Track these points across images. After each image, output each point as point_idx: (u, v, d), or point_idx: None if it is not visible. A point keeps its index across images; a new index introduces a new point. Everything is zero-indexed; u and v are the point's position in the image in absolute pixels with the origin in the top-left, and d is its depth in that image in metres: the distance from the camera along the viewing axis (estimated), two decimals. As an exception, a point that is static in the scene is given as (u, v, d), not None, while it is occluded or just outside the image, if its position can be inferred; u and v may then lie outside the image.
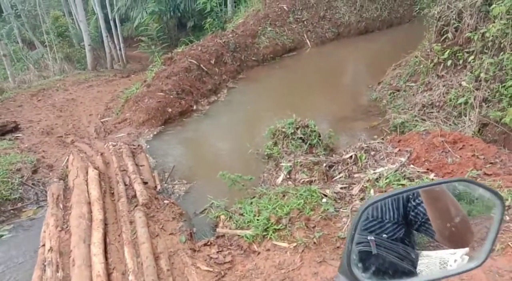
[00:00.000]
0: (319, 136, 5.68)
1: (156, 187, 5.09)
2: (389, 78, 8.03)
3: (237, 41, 10.49)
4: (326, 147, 5.68)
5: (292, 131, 5.55)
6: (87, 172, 4.80)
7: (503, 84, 5.52)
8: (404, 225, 1.22)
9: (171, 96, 7.87)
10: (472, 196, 1.09)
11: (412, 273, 1.06)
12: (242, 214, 4.11)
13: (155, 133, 7.08)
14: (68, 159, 5.27)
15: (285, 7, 12.01)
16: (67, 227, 3.72)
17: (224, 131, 7.26)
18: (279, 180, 4.86)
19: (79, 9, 14.59)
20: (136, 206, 4.29)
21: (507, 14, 5.51)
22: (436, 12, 6.82)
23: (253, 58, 10.73)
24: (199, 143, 6.81)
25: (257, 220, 3.81)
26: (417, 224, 1.20)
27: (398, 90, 7.38)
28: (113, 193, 4.62)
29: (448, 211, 1.07)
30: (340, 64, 10.72)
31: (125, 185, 4.76)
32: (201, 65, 9.06)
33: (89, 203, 4.13)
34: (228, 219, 4.19)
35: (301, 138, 5.55)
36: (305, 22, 12.12)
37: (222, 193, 4.72)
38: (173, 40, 15.30)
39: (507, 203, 3.12)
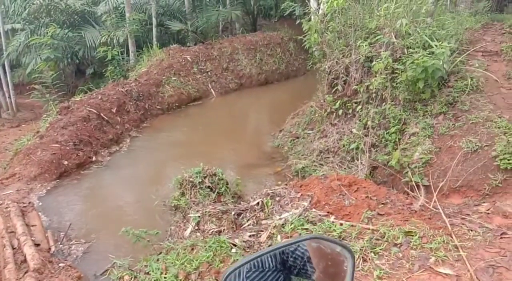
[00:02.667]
0: (227, 184, 5.73)
1: (50, 249, 4.60)
2: (289, 126, 8.54)
3: (140, 90, 10.34)
4: (234, 195, 5.73)
5: (200, 180, 5.51)
6: (-36, 237, 4.17)
7: (387, 131, 6.22)
8: (282, 271, 1.28)
9: (67, 148, 7.33)
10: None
11: None
12: (148, 273, 3.87)
13: (48, 188, 6.45)
14: None
15: (188, 58, 12.28)
16: None
17: (127, 183, 6.92)
18: (187, 232, 4.72)
19: (-39, 52, 13.24)
20: (26, 272, 3.82)
21: (385, 70, 6.33)
22: (326, 67, 7.56)
23: (158, 107, 10.62)
24: (98, 197, 6.37)
25: (165, 278, 3.62)
26: (297, 269, 1.27)
27: (298, 137, 7.86)
28: (-4, 260, 4.05)
29: (326, 265, 1.17)
30: (244, 113, 11.13)
31: (13, 249, 4.23)
32: (101, 114, 8.69)
33: (-35, 274, 3.56)
34: (132, 279, 3.91)
35: (209, 187, 5.53)
36: (209, 73, 12.48)
37: (126, 251, 4.43)
38: (71, 88, 14.53)
39: (398, 241, 3.42)
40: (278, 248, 1.24)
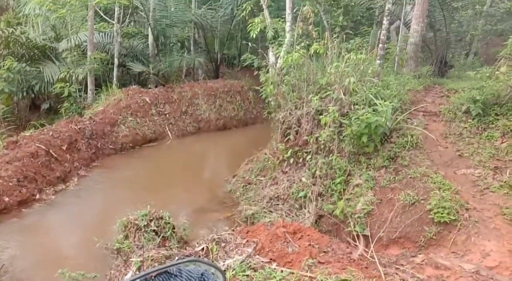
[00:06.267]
0: (173, 228, 5.67)
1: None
2: (243, 171, 8.66)
3: (94, 128, 10.18)
4: (180, 239, 5.66)
5: (145, 223, 5.43)
6: None
7: (333, 181, 6.48)
8: None
9: (10, 183, 7.02)
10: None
11: None
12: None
13: (-17, 226, 6.10)
14: None
15: (147, 100, 12.34)
16: None
17: (70, 223, 6.65)
18: (127, 277, 4.58)
19: None
20: None
21: (334, 123, 6.70)
22: (280, 117, 7.88)
23: (111, 146, 10.44)
24: (38, 238, 6.07)
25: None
26: None
27: (250, 183, 7.98)
28: None
29: None
30: (199, 157, 11.17)
31: None
32: (51, 151, 8.43)
33: None
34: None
35: (154, 230, 5.44)
36: (167, 115, 12.54)
37: (60, 296, 4.23)
38: (23, 122, 13.98)
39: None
40: (164, 268, 1.46)
